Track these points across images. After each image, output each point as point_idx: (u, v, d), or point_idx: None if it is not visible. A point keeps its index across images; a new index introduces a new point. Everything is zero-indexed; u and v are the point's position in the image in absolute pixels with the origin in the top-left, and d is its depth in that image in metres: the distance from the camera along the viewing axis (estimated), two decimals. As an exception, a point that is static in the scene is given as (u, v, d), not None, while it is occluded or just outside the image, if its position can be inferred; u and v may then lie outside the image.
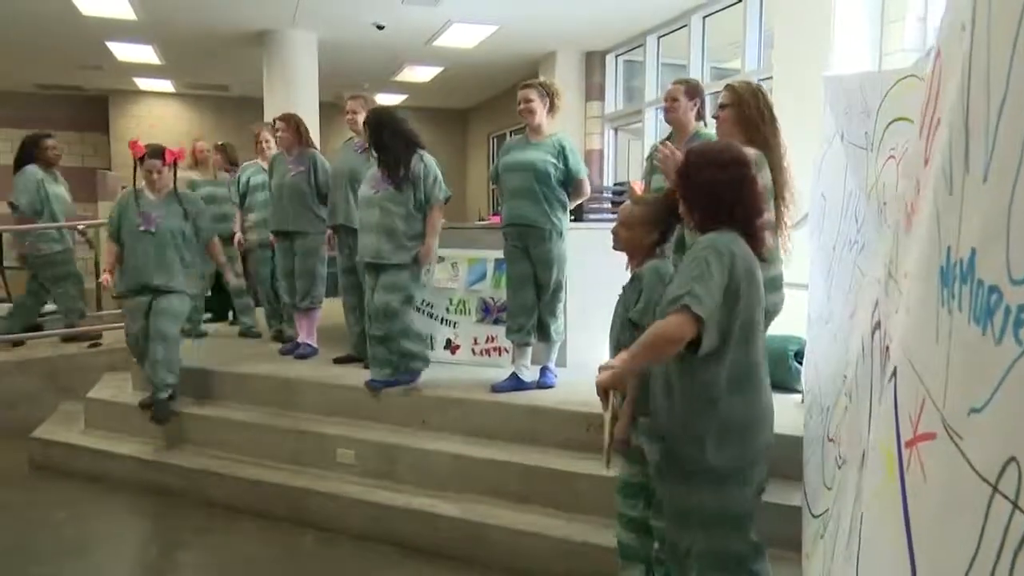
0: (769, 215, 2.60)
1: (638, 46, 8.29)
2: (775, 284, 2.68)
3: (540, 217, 3.80)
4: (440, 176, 3.94)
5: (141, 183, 4.37)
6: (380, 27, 7.76)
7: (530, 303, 3.93)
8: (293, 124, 4.86)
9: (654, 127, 7.94)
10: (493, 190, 12.69)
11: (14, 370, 5.42)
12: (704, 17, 7.24)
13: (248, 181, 5.39)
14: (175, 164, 4.41)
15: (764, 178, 2.60)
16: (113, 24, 7.83)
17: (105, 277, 4.34)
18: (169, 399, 4.27)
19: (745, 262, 1.99)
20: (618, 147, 9.10)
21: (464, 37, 8.25)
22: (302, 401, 4.22)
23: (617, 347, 2.48)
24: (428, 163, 3.90)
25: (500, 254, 4.60)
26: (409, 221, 3.87)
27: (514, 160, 3.89)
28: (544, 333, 3.99)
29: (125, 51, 9.17)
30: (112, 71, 10.33)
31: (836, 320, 2.68)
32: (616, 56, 8.82)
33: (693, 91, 3.47)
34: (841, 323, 2.55)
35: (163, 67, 10.09)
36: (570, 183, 3.91)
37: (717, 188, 2.04)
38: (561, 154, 3.84)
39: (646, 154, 3.66)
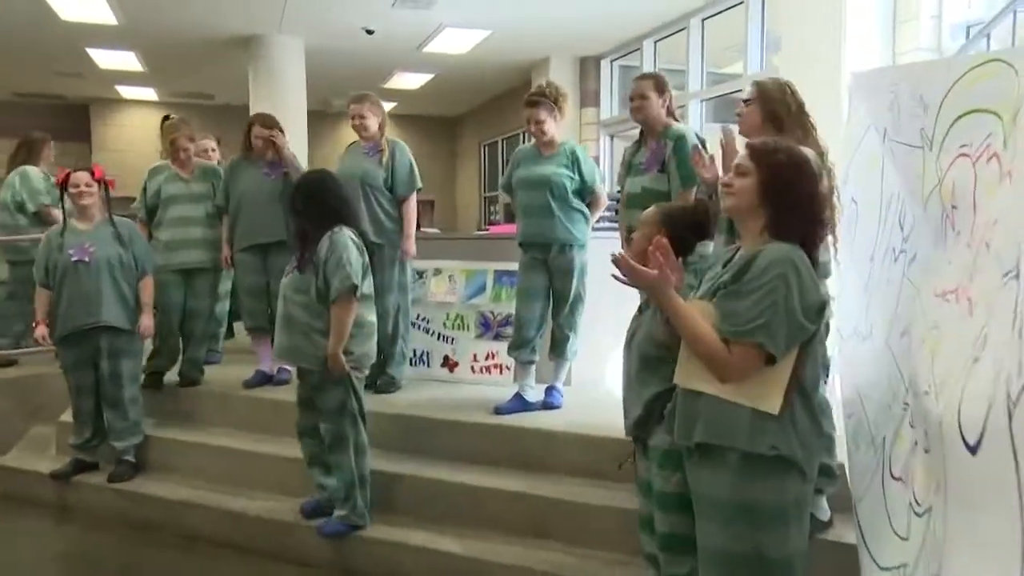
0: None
1: (634, 51, 8.10)
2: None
3: (560, 233, 3.59)
4: (350, 261, 3.06)
5: (72, 215, 3.91)
6: (370, 32, 7.54)
7: (539, 317, 3.69)
8: (271, 128, 4.29)
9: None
10: (487, 199, 12.51)
11: (-19, 391, 5.10)
12: (703, 20, 7.05)
13: (160, 191, 4.30)
14: (106, 186, 3.92)
15: (823, 186, 2.37)
16: (93, 29, 7.56)
17: (40, 330, 3.83)
18: (132, 461, 3.99)
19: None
20: (614, 154, 8.90)
21: (456, 42, 8.03)
22: (290, 425, 3.92)
23: (641, 360, 2.24)
24: (338, 243, 3.06)
25: (499, 265, 4.37)
26: (315, 314, 3.08)
27: (527, 175, 3.67)
28: (559, 350, 3.74)
29: (107, 58, 8.91)
30: (94, 79, 10.06)
31: (878, 337, 2.44)
32: (612, 61, 8.63)
33: (662, 85, 3.25)
34: (886, 341, 2.31)
35: (146, 75, 9.82)
36: (587, 193, 3.68)
37: (807, 199, 1.83)
38: (575, 164, 3.62)
39: (624, 158, 3.46)
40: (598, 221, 4.72)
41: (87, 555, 3.67)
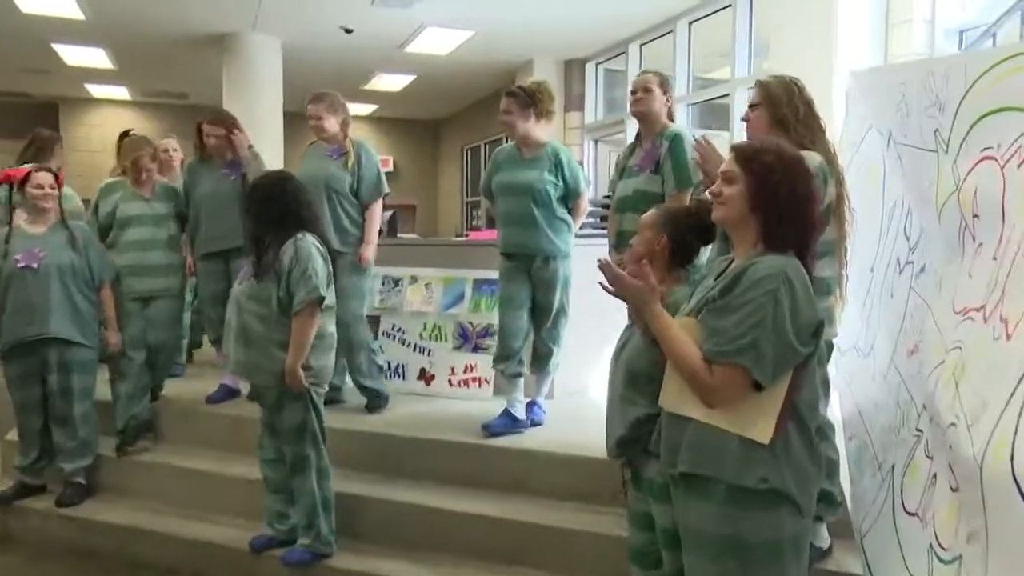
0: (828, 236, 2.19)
1: (619, 54, 7.96)
2: (829, 317, 2.26)
3: (542, 243, 3.38)
4: (316, 270, 2.84)
5: (20, 217, 3.64)
6: (348, 31, 7.33)
7: (524, 328, 3.49)
8: (225, 126, 3.95)
9: (637, 138, 7.59)
10: (469, 204, 12.32)
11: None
12: (690, 23, 6.92)
13: (115, 210, 3.87)
14: (58, 185, 3.64)
15: (829, 194, 2.19)
16: (58, 24, 7.28)
17: None
18: (83, 484, 3.72)
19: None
20: (599, 158, 8.75)
21: (438, 43, 7.84)
22: (254, 444, 3.69)
23: (629, 376, 2.06)
24: (303, 251, 2.85)
25: (479, 274, 4.18)
26: (274, 326, 2.85)
27: (508, 181, 3.45)
28: (542, 363, 3.54)
29: (75, 54, 8.62)
30: (62, 77, 9.74)
31: (882, 354, 2.28)
32: (596, 64, 8.49)
33: (666, 83, 3.08)
34: (891, 359, 2.15)
35: (116, 72, 9.54)
36: (571, 198, 3.47)
37: (802, 202, 1.65)
38: (558, 168, 3.42)
39: (617, 160, 3.27)
40: (581, 228, 4.52)
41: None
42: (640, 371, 2.00)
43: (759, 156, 1.68)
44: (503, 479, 3.22)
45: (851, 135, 2.74)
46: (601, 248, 3.33)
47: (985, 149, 1.51)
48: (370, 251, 3.78)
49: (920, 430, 1.75)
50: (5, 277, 3.51)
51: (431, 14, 6.98)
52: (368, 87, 10.05)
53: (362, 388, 3.84)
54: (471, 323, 4.18)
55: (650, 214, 2.19)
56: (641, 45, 7.64)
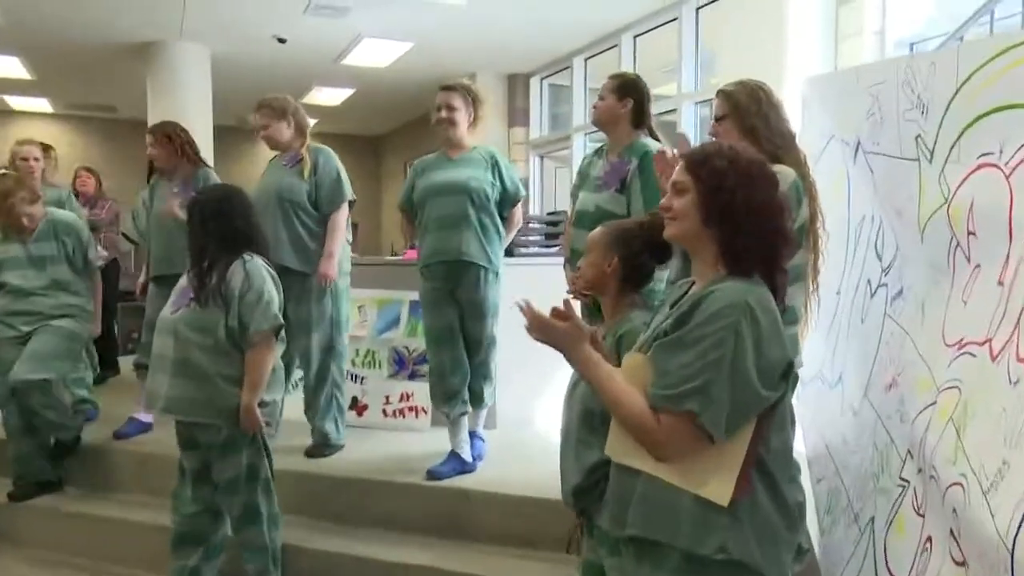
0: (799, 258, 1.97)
1: (564, 68, 7.80)
2: (794, 346, 2.04)
3: (476, 251, 3.03)
4: (272, 296, 2.58)
5: None
6: (282, 40, 6.99)
7: (461, 360, 3.13)
8: (163, 136, 3.70)
9: (583, 153, 7.41)
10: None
11: None
12: (635, 37, 6.80)
13: None
14: None
15: (802, 214, 1.97)
16: (-35, 30, 6.76)
17: None
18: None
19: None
20: (544, 175, 8.55)
21: (376, 55, 7.56)
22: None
23: (583, 417, 1.82)
24: (254, 274, 2.57)
25: (415, 295, 3.87)
26: (222, 358, 2.53)
27: (439, 182, 3.09)
28: (476, 399, 3.20)
29: (-13, 64, 8.05)
30: (-27, 87, 9.13)
31: (852, 387, 2.07)
32: (541, 79, 8.31)
33: (624, 88, 2.75)
34: (865, 393, 1.94)
35: (35, 83, 8.95)
36: (506, 206, 3.17)
37: (763, 212, 1.39)
38: (496, 171, 3.11)
39: (579, 167, 2.98)
40: (527, 247, 4.22)
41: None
42: (595, 410, 1.75)
43: (709, 160, 1.43)
44: (439, 522, 2.93)
45: (808, 147, 2.54)
46: (549, 269, 3.08)
47: (984, 155, 1.30)
48: (330, 266, 3.30)
49: (906, 480, 1.53)
50: None
51: (368, 25, 6.70)
52: (307, 100, 9.67)
53: (312, 428, 3.44)
54: (407, 348, 3.88)
55: (597, 233, 1.93)
56: (586, 59, 7.50)
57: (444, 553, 2.78)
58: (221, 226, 2.60)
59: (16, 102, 10.24)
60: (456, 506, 2.94)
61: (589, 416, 1.78)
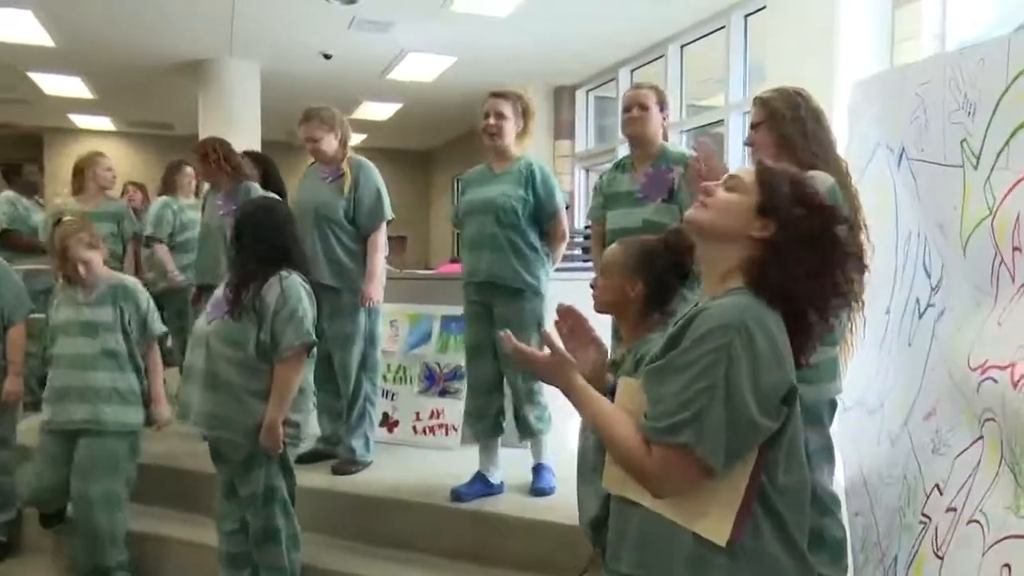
0: None
1: (610, 80, 7.68)
2: (832, 369, 1.87)
3: (506, 272, 2.89)
4: (306, 312, 2.53)
5: None
6: (327, 56, 7.08)
7: (493, 379, 3.00)
8: (200, 153, 3.78)
9: (629, 166, 7.29)
10: (458, 236, 12.00)
11: None
12: (682, 47, 6.64)
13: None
14: None
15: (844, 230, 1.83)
16: (30, 51, 7.04)
17: None
18: (4, 542, 3.36)
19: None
20: (589, 187, 8.43)
21: (421, 69, 7.59)
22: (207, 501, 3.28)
23: (600, 444, 1.70)
24: (290, 291, 2.52)
25: (447, 310, 3.82)
26: (250, 373, 2.49)
27: (475, 200, 3.00)
28: (524, 427, 3.00)
29: (52, 84, 8.38)
30: (43, 107, 9.52)
31: (892, 414, 1.90)
32: (587, 91, 8.21)
33: (664, 100, 2.70)
34: (905, 422, 1.77)
35: (97, 102, 9.30)
36: (544, 219, 2.99)
37: (821, 255, 1.26)
38: (529, 183, 2.93)
39: (598, 185, 2.89)
40: (565, 259, 4.07)
41: None
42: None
43: (784, 178, 1.30)
44: (461, 545, 2.83)
45: (855, 158, 2.38)
46: (584, 282, 2.97)
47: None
48: (373, 288, 3.22)
49: (927, 517, 1.37)
50: None
51: (411, 39, 6.72)
52: (355, 116, 9.80)
53: (340, 444, 3.38)
54: (438, 364, 3.81)
55: (615, 254, 1.78)
56: (632, 70, 7.37)
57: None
58: (259, 241, 2.57)
59: (80, 120, 10.66)
60: (478, 529, 2.84)
61: (602, 443, 1.67)
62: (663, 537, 1.23)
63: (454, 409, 3.69)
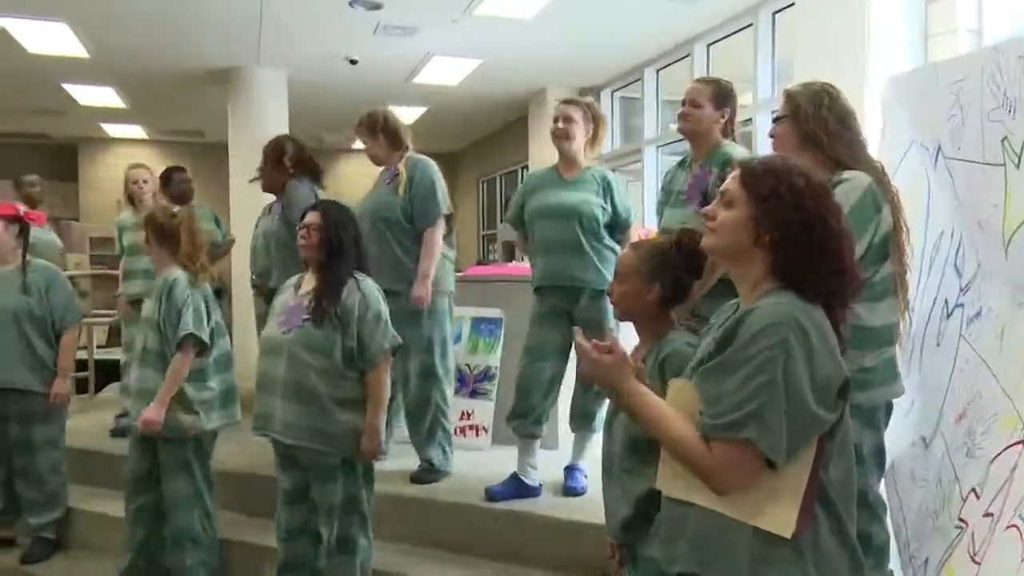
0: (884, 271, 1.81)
1: (635, 80, 7.66)
2: (890, 370, 1.85)
3: (590, 275, 2.94)
4: (387, 317, 2.57)
5: None
6: (353, 62, 7.14)
7: (549, 380, 3.02)
8: (274, 155, 3.61)
9: (655, 166, 7.26)
10: (485, 237, 12.02)
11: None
12: (708, 45, 6.60)
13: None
14: (23, 227, 3.40)
15: (884, 222, 1.82)
16: (65, 63, 7.19)
17: None
18: (51, 538, 3.45)
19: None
20: (616, 190, 8.41)
21: (446, 73, 7.63)
22: (236, 496, 3.34)
23: (629, 444, 1.71)
24: (370, 295, 2.54)
25: (477, 312, 3.85)
26: (336, 381, 2.49)
27: (548, 204, 3.01)
28: (584, 422, 3.07)
29: (86, 94, 8.55)
30: (77, 117, 9.71)
31: (924, 415, 1.88)
32: (612, 92, 8.19)
33: (721, 96, 2.57)
34: (937, 425, 1.75)
35: (129, 111, 9.47)
36: (617, 230, 3.04)
37: (828, 240, 1.29)
38: (607, 192, 2.99)
39: (662, 182, 2.84)
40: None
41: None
42: (640, 437, 1.64)
43: (767, 175, 1.33)
44: (493, 546, 2.85)
45: (888, 156, 2.36)
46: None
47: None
48: (423, 288, 3.16)
49: (964, 522, 1.36)
50: None
51: (436, 43, 6.76)
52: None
53: (420, 455, 3.36)
54: (468, 365, 3.84)
55: (629, 259, 1.81)
56: (658, 70, 7.34)
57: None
58: (341, 245, 2.54)
59: (112, 129, 10.85)
60: (511, 529, 2.86)
61: (634, 444, 1.69)
62: (721, 534, 1.26)
63: (484, 410, 3.72)
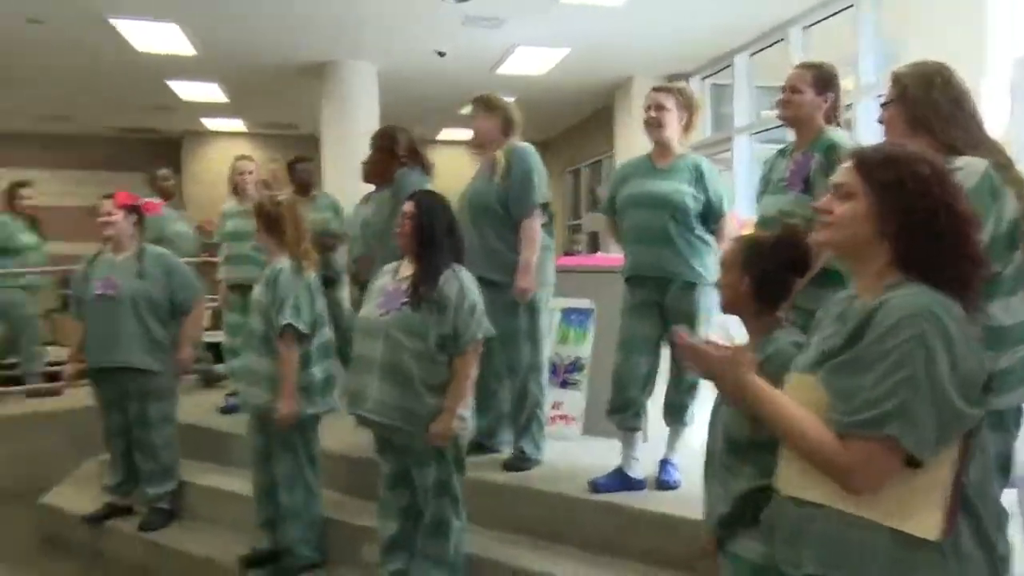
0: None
1: (726, 66, 7.46)
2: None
3: (681, 267, 2.88)
4: (483, 308, 2.61)
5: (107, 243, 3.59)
6: (441, 54, 7.24)
7: (645, 373, 2.97)
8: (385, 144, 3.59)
9: (747, 155, 7.06)
10: (571, 227, 11.97)
11: (32, 424, 4.97)
12: (804, 28, 6.36)
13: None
14: (140, 214, 3.62)
15: (1008, 209, 1.72)
16: (172, 60, 7.58)
17: (68, 367, 3.69)
18: (166, 508, 3.67)
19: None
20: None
21: (531, 63, 7.65)
22: (336, 478, 3.45)
23: (730, 442, 1.68)
24: (467, 284, 2.59)
25: (567, 302, 3.84)
26: (429, 366, 2.54)
27: (640, 192, 2.95)
28: (676, 415, 3.02)
29: (188, 90, 8.98)
30: (183, 112, 10.23)
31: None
32: (702, 79, 8.01)
33: (824, 81, 2.46)
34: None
35: (230, 106, 9.90)
36: (711, 219, 2.95)
37: (954, 230, 1.24)
38: (699, 181, 2.91)
39: (762, 171, 2.73)
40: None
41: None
42: (740, 437, 1.63)
43: (886, 164, 1.28)
44: (592, 537, 2.85)
45: (1018, 137, 2.21)
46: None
47: None
48: (526, 280, 3.10)
49: None
50: (85, 304, 3.54)
51: (523, 33, 6.78)
52: (466, 111, 9.98)
53: (514, 443, 3.36)
54: (559, 355, 3.83)
55: (731, 250, 1.80)
56: (751, 55, 7.12)
57: (597, 570, 2.70)
58: (440, 233, 2.60)
59: (212, 123, 11.36)
60: (604, 519, 2.85)
61: (735, 443, 1.66)
62: (854, 537, 1.22)
63: (574, 400, 3.72)
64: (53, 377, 5.27)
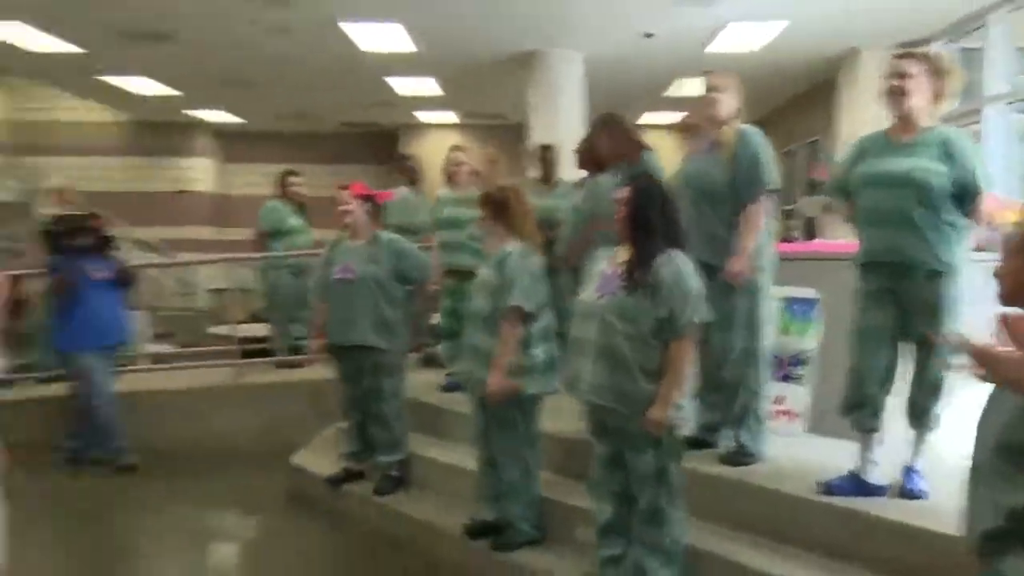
0: None
1: (976, 28, 6.60)
2: None
3: (924, 254, 2.61)
4: (700, 292, 2.55)
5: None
6: (648, 35, 7.10)
7: (885, 368, 2.73)
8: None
9: (1003, 127, 6.21)
10: (784, 213, 11.22)
11: (280, 392, 5.58)
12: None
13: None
14: (374, 203, 3.93)
15: None
16: (394, 59, 8.12)
17: (313, 344, 4.06)
18: (396, 476, 3.97)
19: None
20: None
21: (744, 39, 7.27)
22: (552, 458, 3.49)
23: (1002, 450, 1.50)
24: (683, 269, 2.55)
25: (788, 291, 3.61)
26: (643, 349, 2.52)
27: (878, 171, 2.70)
28: (920, 418, 2.74)
29: (405, 85, 9.57)
30: (400, 107, 10.94)
31: None
32: (945, 44, 7.15)
33: (935, 65, 2.32)
34: None
35: (443, 99, 10.42)
36: (966, 200, 2.63)
37: None
38: (949, 157, 2.60)
39: None
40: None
41: (339, 568, 3.71)
42: (1019, 444, 1.44)
43: None
44: (813, 540, 2.69)
45: None
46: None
47: None
48: (739, 263, 3.00)
49: None
50: (328, 286, 3.90)
51: (736, 8, 6.45)
52: (668, 94, 9.75)
53: (733, 436, 3.25)
54: (780, 347, 3.62)
55: (1010, 234, 1.59)
56: (1010, 12, 6.23)
57: (826, 574, 2.56)
58: (658, 217, 2.59)
59: (425, 116, 12.04)
60: (833, 524, 2.67)
61: (1009, 451, 1.47)
62: None
63: (797, 395, 3.51)
64: (297, 351, 5.87)
